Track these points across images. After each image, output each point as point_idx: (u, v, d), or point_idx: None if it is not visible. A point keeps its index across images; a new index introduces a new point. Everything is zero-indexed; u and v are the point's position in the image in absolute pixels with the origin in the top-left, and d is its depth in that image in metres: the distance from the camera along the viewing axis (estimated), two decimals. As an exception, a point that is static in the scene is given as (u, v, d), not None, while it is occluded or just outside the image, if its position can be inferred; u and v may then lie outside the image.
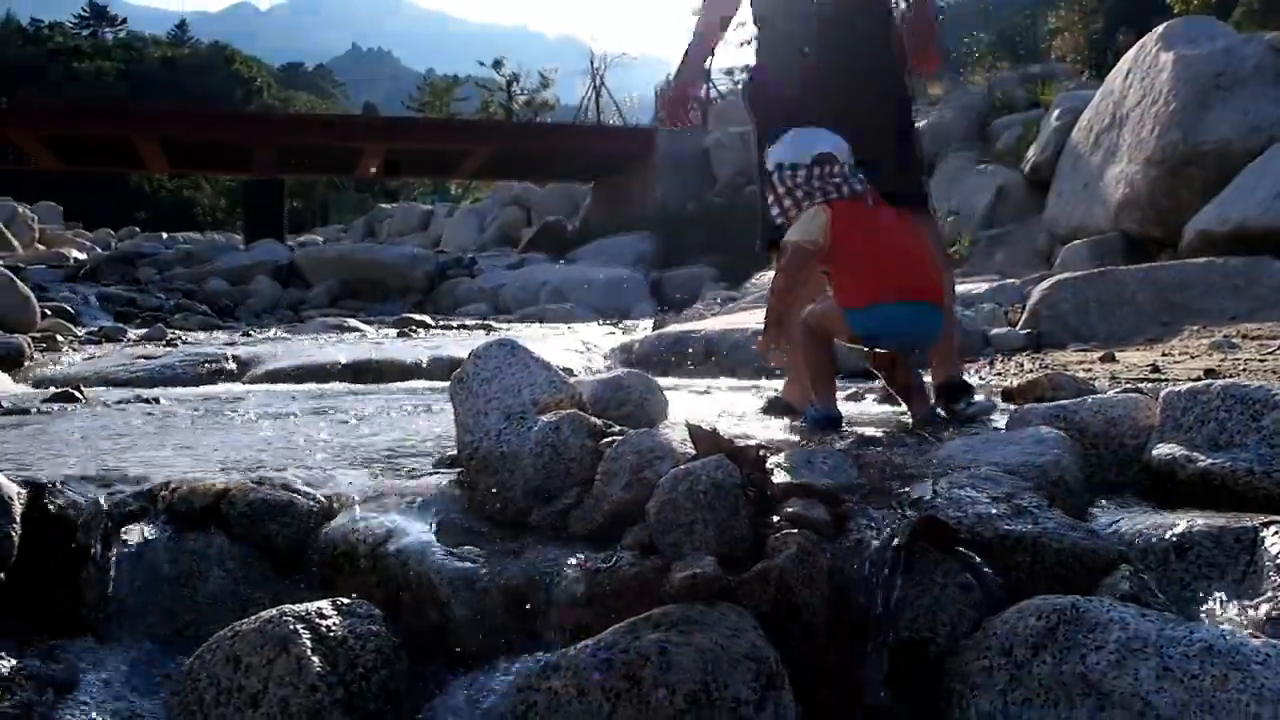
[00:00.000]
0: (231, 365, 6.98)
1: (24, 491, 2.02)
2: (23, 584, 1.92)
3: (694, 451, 1.93)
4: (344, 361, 6.87)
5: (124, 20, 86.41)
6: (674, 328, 8.14)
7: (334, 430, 3.32)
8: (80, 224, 35.99)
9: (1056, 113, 12.72)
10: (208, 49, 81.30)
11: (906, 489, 1.92)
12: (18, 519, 1.92)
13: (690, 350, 7.08)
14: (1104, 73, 14.12)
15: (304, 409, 4.20)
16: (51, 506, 2.03)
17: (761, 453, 1.89)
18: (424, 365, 6.77)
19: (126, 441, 3.06)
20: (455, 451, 2.45)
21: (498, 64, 44.90)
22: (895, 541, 1.64)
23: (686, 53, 3.89)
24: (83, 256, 21.99)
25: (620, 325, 12.22)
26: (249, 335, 10.39)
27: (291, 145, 22.89)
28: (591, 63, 37.37)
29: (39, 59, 67.27)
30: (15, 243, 25.63)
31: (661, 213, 20.69)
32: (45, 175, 27.93)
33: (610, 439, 2.09)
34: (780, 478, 1.89)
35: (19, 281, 9.79)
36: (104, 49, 75.80)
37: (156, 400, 5.00)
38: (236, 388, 6.02)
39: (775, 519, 1.76)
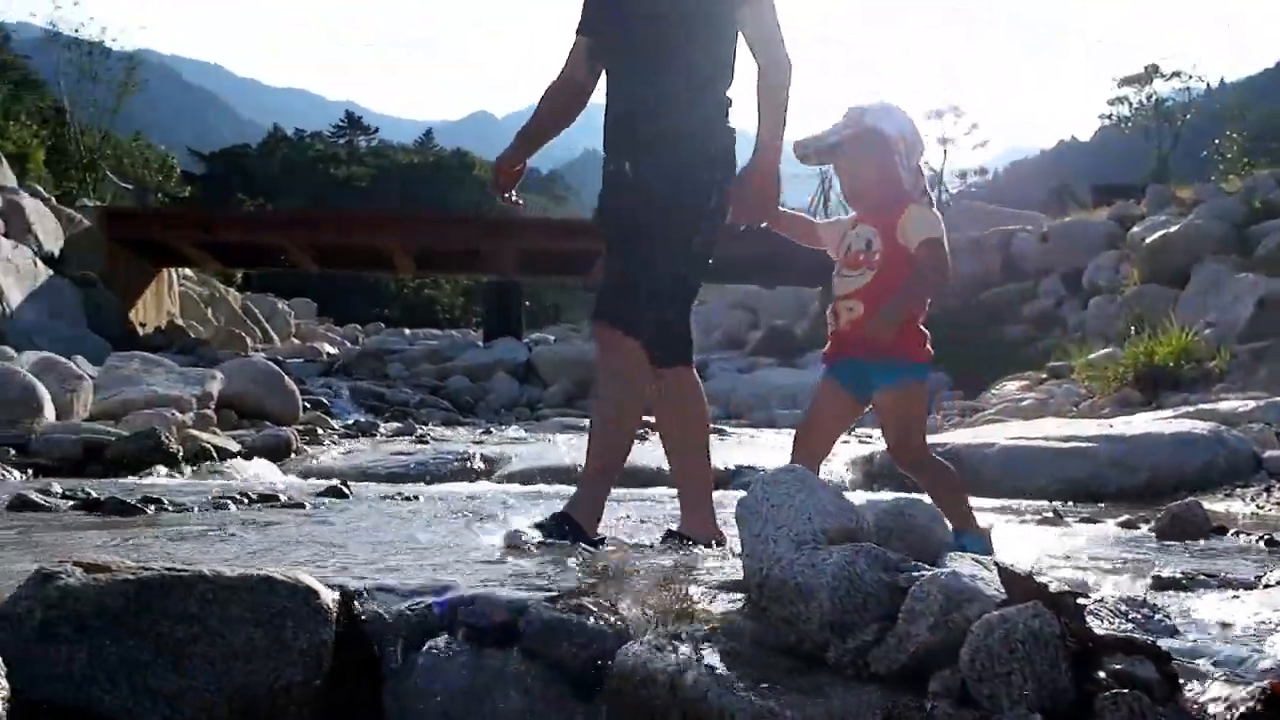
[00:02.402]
0: (480, 464, 7.20)
1: (336, 598, 2.10)
2: (330, 693, 1.99)
3: (1004, 595, 1.85)
4: (588, 464, 6.98)
5: (376, 129, 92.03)
6: (916, 439, 7.95)
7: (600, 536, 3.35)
8: (331, 319, 38.14)
9: (1325, 218, 12.02)
10: (450, 155, 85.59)
11: (1236, 646, 1.79)
12: (333, 627, 2.00)
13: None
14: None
15: (561, 515, 4.26)
16: (360, 615, 2.11)
17: (1080, 600, 1.80)
18: (668, 472, 6.81)
19: (405, 544, 3.16)
20: (734, 575, 2.43)
21: (729, 169, 45.61)
22: (1240, 709, 1.52)
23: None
24: (334, 351, 23.25)
25: (854, 434, 12.04)
26: (490, 433, 10.71)
27: (529, 249, 23.72)
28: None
29: (302, 166, 72.31)
30: (275, 337, 27.37)
31: (893, 318, 20.41)
32: (302, 273, 29.68)
33: (906, 574, 2.03)
34: (1101, 629, 1.79)
35: (286, 376, 10.40)
36: (357, 156, 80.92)
37: (416, 498, 5.19)
38: (489, 486, 6.20)
39: (1099, 675, 1.67)
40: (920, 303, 3.08)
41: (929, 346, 3.15)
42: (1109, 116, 37.17)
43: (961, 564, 2.37)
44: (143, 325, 20.57)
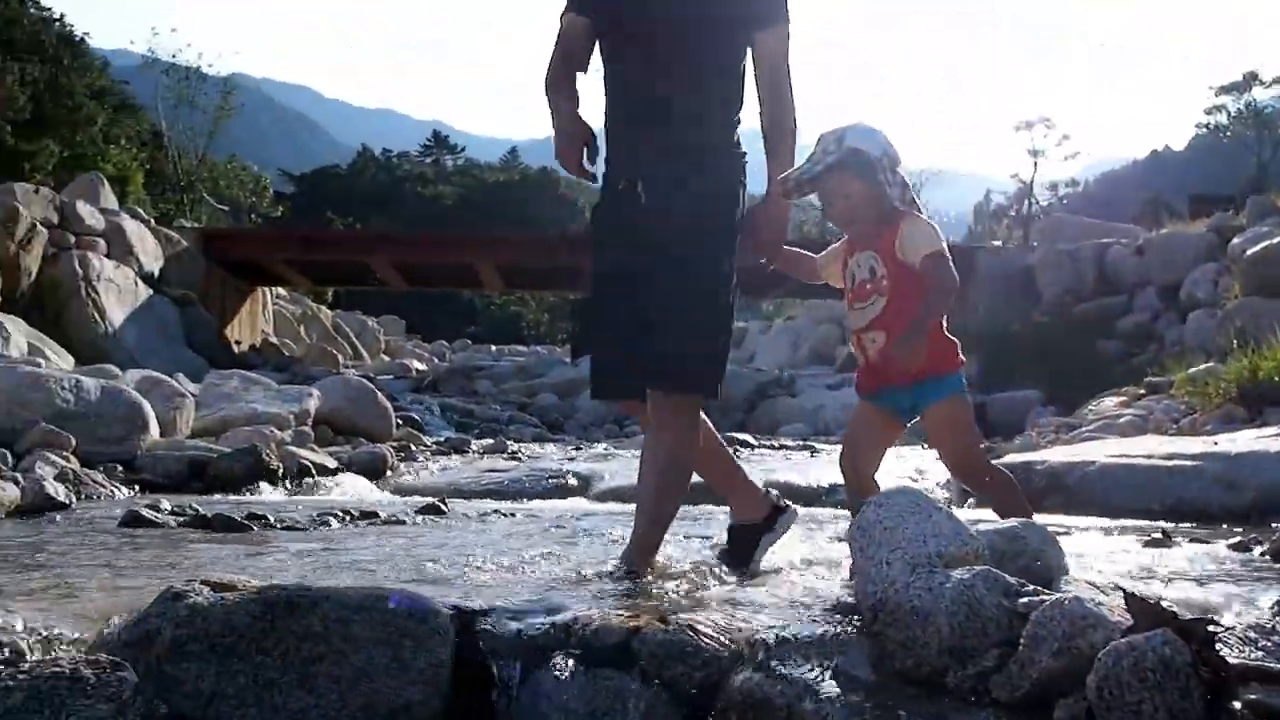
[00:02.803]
0: (574, 481, 7.24)
1: (452, 617, 2.12)
2: (447, 712, 2.01)
3: (1129, 621, 1.82)
4: (680, 482, 6.97)
5: (463, 148, 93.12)
6: (1012, 457, 7.83)
7: (706, 558, 3.35)
8: (419, 336, 38.63)
9: None
10: (536, 173, 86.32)
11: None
12: (451, 647, 2.02)
13: (1033, 482, 6.78)
14: None
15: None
16: (476, 634, 2.13)
17: (1211, 628, 1.76)
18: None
19: (511, 562, 3.19)
20: (845, 597, 2.42)
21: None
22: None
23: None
24: (423, 367, 23.52)
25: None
26: (579, 450, 10.76)
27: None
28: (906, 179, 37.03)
29: (390, 185, 73.47)
30: (365, 354, 27.78)
31: (984, 333, 20.18)
32: (390, 290, 30.13)
33: (1026, 599, 2.01)
34: (1232, 658, 1.75)
35: (380, 393, 10.55)
36: (444, 175, 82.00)
37: (513, 515, 5.23)
38: (585, 504, 6.22)
39: (1234, 705, 1.63)
40: (938, 320, 3.08)
41: (961, 355, 3.19)
42: (1206, 125, 36.40)
43: (1080, 589, 2.34)
44: (238, 343, 21.01)
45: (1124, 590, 1.95)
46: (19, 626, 2.00)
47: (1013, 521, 2.67)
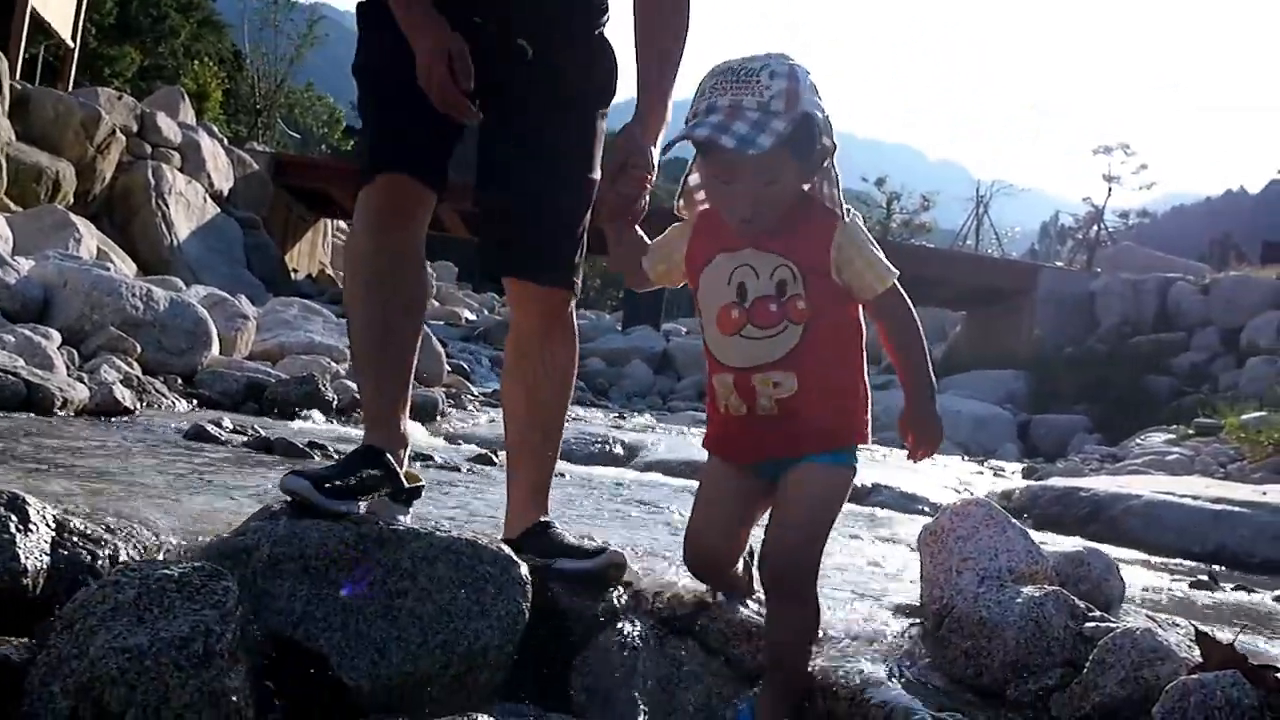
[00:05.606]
0: (620, 450, 7.30)
1: (528, 571, 2.18)
2: (524, 662, 2.07)
3: (1199, 659, 1.85)
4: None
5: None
6: (1057, 481, 7.83)
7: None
8: (470, 285, 38.78)
9: None
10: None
11: None
12: (529, 597, 2.08)
13: (1075, 509, 6.78)
14: None
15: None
16: (552, 592, 2.19)
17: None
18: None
19: (581, 525, 3.24)
20: (912, 599, 2.46)
21: (880, 181, 44.89)
22: None
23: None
24: (472, 317, 23.65)
25: (986, 465, 11.88)
26: (624, 418, 10.84)
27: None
28: (977, 190, 36.83)
29: (468, 133, 73.62)
30: (416, 297, 27.94)
31: (1037, 353, 20.10)
32: (447, 237, 30.26)
33: (1092, 624, 2.05)
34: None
35: (434, 338, 10.65)
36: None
37: (563, 475, 5.29)
38: (632, 474, 6.28)
39: (1297, 753, 1.66)
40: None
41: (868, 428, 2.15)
42: (1286, 171, 35.80)
43: (1140, 620, 2.37)
44: (295, 271, 21.25)
45: (1196, 628, 1.98)
46: (120, 528, 2.07)
47: (1079, 546, 2.70)
